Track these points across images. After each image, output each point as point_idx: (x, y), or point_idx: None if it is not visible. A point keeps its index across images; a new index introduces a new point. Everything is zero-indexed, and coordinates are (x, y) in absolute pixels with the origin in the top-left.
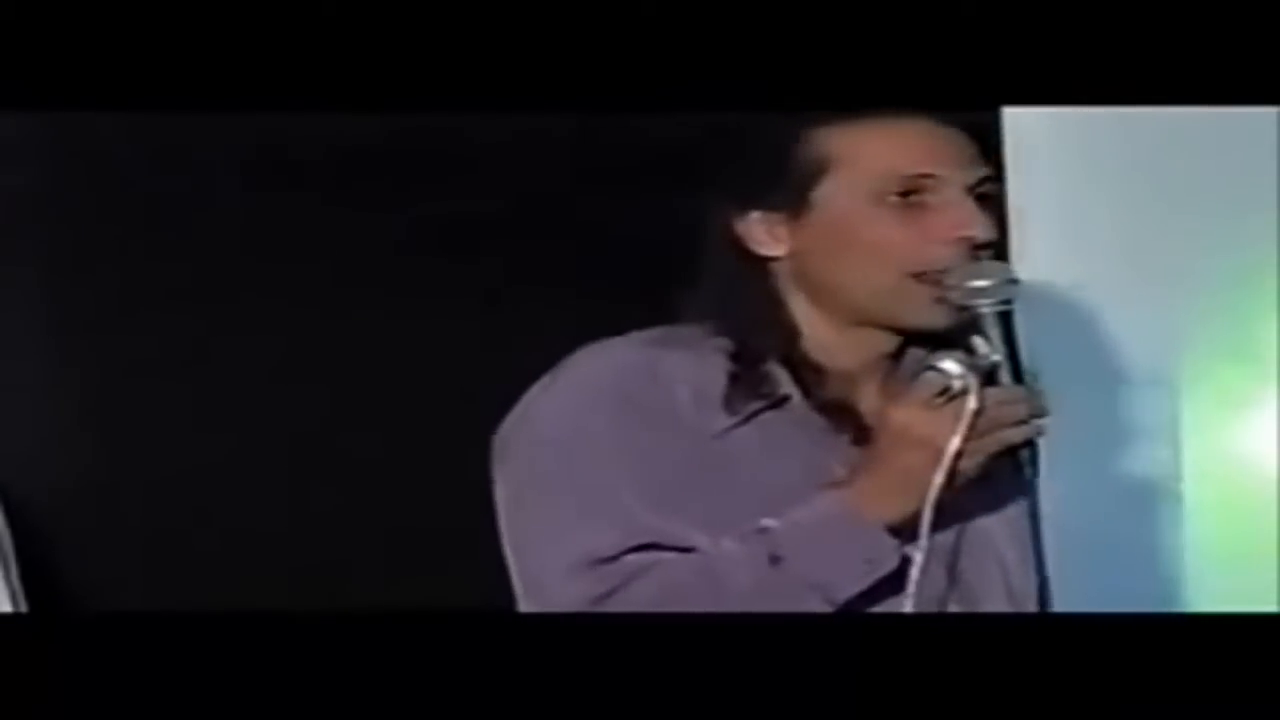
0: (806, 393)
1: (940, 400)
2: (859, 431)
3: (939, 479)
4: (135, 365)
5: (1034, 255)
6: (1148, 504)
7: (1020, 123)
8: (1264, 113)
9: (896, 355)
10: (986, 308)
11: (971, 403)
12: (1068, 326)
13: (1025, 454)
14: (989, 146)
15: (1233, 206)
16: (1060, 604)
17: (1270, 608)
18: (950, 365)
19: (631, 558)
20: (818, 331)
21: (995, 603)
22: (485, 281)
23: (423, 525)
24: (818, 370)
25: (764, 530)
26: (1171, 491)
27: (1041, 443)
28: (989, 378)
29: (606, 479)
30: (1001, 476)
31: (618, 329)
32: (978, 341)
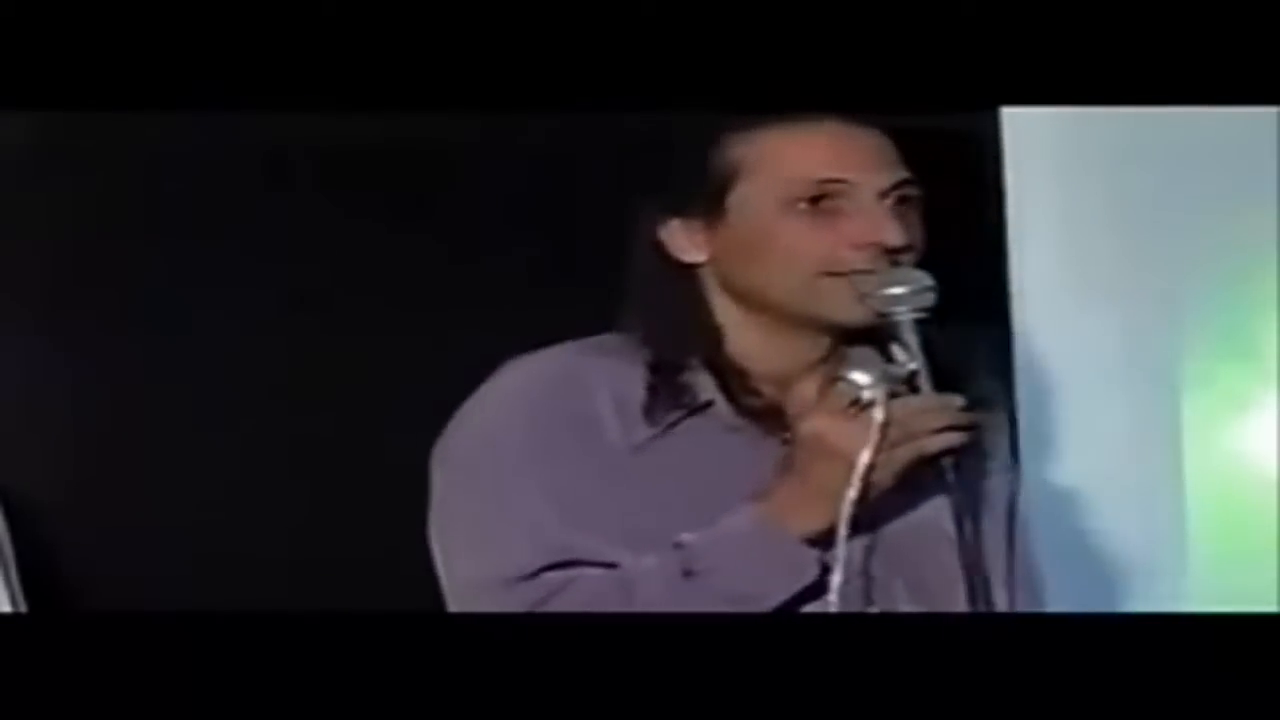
0: (732, 397)
1: (853, 411)
2: (791, 434)
3: (852, 492)
4: (133, 366)
5: (1033, 255)
6: (1147, 503)
7: (1019, 123)
8: (1264, 112)
9: (830, 357)
10: (903, 315)
11: (879, 414)
12: (1066, 325)
13: (947, 462)
14: (927, 149)
15: (1232, 206)
16: (1053, 602)
17: (1271, 608)
18: (858, 376)
19: (550, 574)
20: (745, 336)
21: (953, 595)
22: (444, 287)
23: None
24: (744, 374)
25: (681, 545)
26: (1171, 492)
27: (1037, 442)
28: (910, 386)
29: (525, 495)
30: (966, 466)
31: (565, 336)
32: (895, 350)
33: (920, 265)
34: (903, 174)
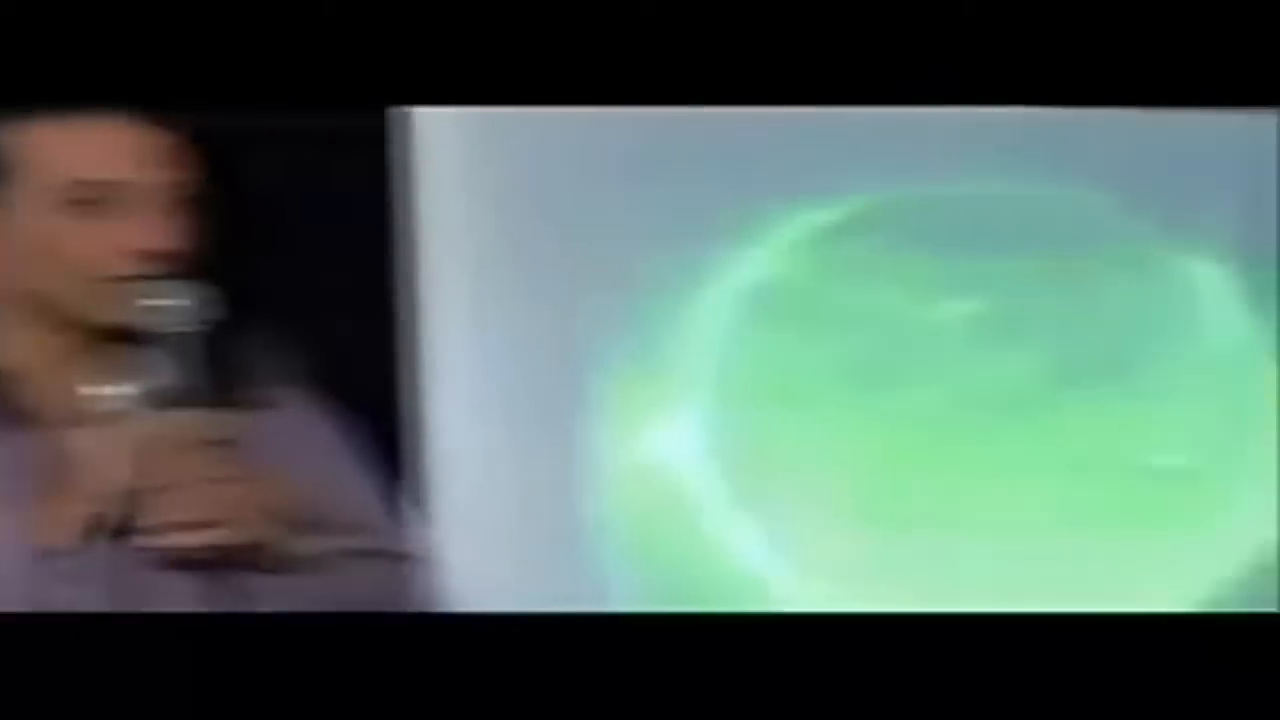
0: None
1: (105, 422)
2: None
3: (94, 505)
4: None
5: (440, 264)
6: (556, 516)
7: (426, 124)
8: (678, 113)
9: (99, 364)
10: (165, 328)
11: (130, 426)
12: (471, 337)
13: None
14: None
15: (652, 213)
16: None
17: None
18: (107, 388)
19: None
20: (13, 335)
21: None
22: None
23: None
24: (8, 376)
25: None
26: (575, 505)
27: (448, 453)
28: (176, 399)
29: None
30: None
31: None
32: (153, 362)
33: (312, 264)
34: (179, 175)
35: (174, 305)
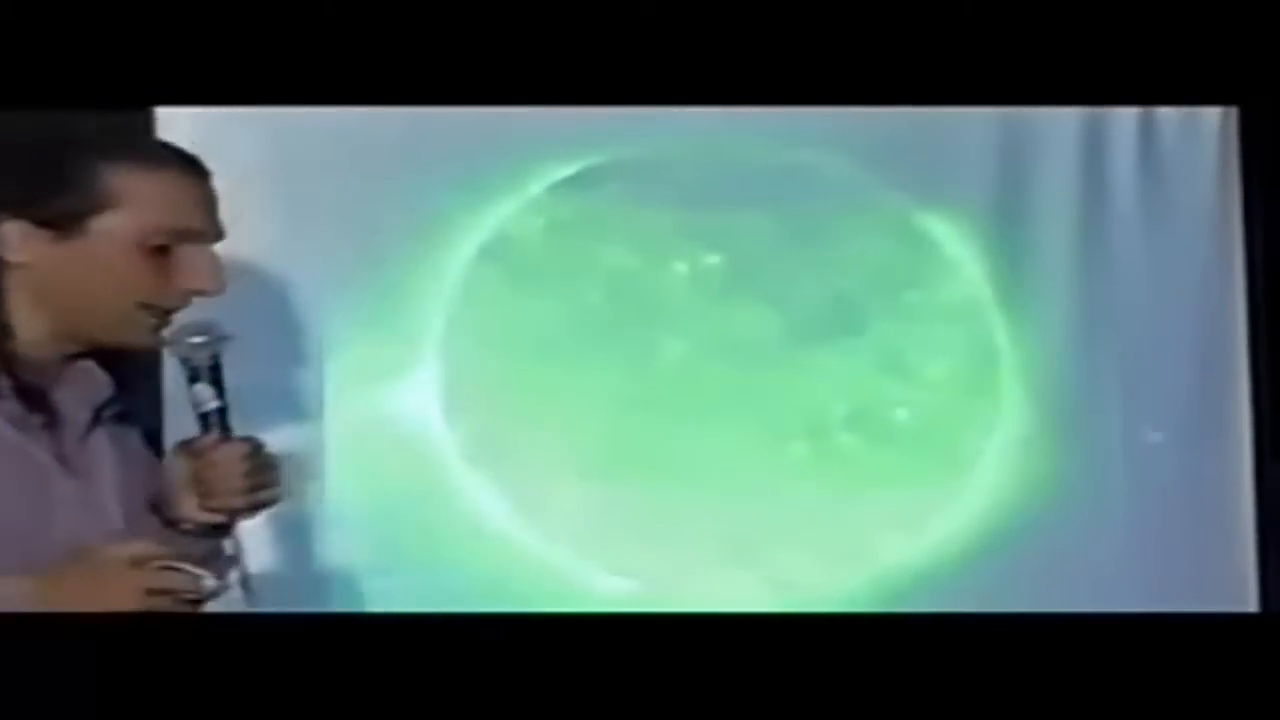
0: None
1: None
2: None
3: None
4: None
5: None
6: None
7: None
8: None
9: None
10: (201, 360)
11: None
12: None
13: None
14: None
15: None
16: None
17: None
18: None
19: None
20: (35, 334)
21: None
22: None
23: None
24: (25, 365)
25: None
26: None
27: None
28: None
29: None
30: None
31: None
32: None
33: None
34: (221, 224)
35: (205, 341)
